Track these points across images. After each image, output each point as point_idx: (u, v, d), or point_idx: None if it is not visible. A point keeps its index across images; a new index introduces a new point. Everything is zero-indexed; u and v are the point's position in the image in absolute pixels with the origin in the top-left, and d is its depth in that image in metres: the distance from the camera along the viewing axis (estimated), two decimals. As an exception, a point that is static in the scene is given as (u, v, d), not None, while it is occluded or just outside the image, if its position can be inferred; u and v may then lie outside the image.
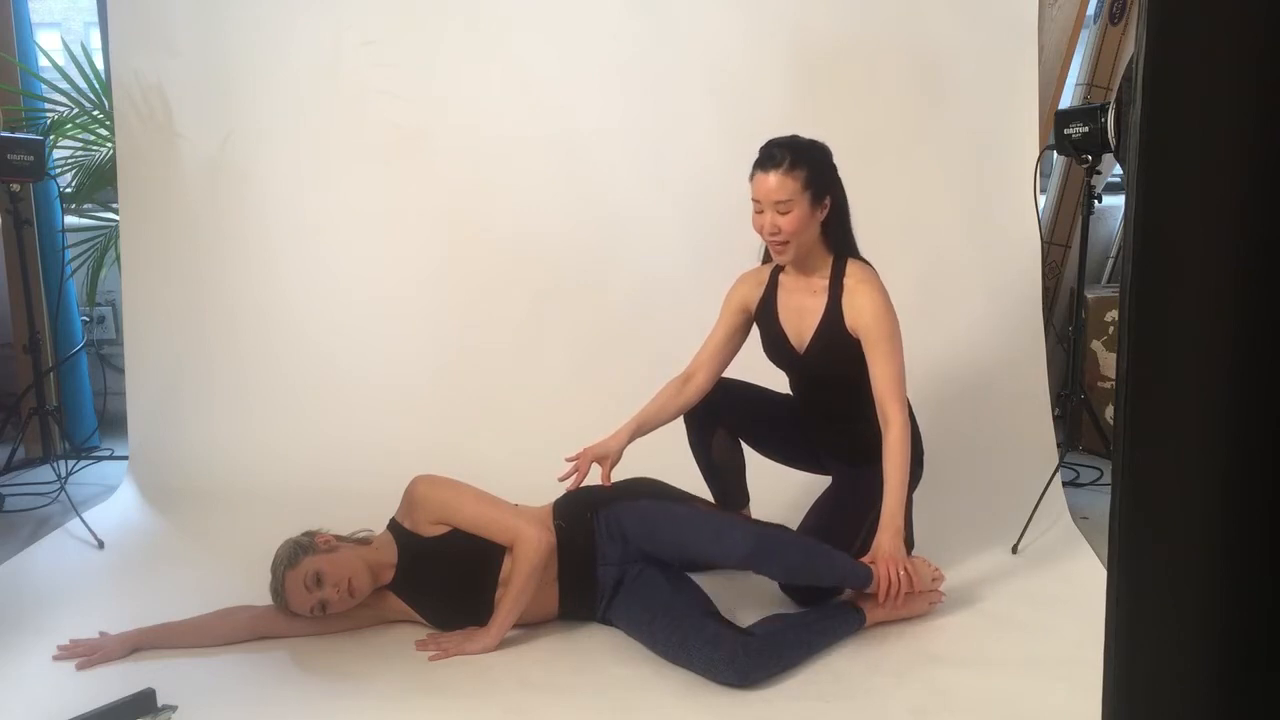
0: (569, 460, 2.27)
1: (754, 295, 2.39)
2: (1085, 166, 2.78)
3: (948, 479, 2.63)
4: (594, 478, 2.26)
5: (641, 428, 2.34)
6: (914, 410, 2.30)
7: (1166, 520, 0.70)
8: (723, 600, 2.17)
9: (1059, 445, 2.99)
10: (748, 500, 2.53)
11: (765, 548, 2.07)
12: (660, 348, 2.70)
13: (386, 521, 2.23)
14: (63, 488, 3.06)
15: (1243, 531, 0.67)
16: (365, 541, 2.17)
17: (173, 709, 1.83)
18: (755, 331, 2.43)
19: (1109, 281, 3.80)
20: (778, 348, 2.37)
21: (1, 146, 3.03)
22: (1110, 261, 3.84)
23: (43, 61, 3.76)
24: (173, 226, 3.31)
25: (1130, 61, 3.15)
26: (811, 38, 3.18)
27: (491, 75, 3.27)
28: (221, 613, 2.18)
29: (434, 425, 3.15)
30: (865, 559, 2.18)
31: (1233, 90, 0.64)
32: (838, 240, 2.28)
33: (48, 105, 3.61)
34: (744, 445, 2.51)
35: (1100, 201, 2.92)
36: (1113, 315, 3.41)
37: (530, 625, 2.18)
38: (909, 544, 2.31)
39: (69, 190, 3.66)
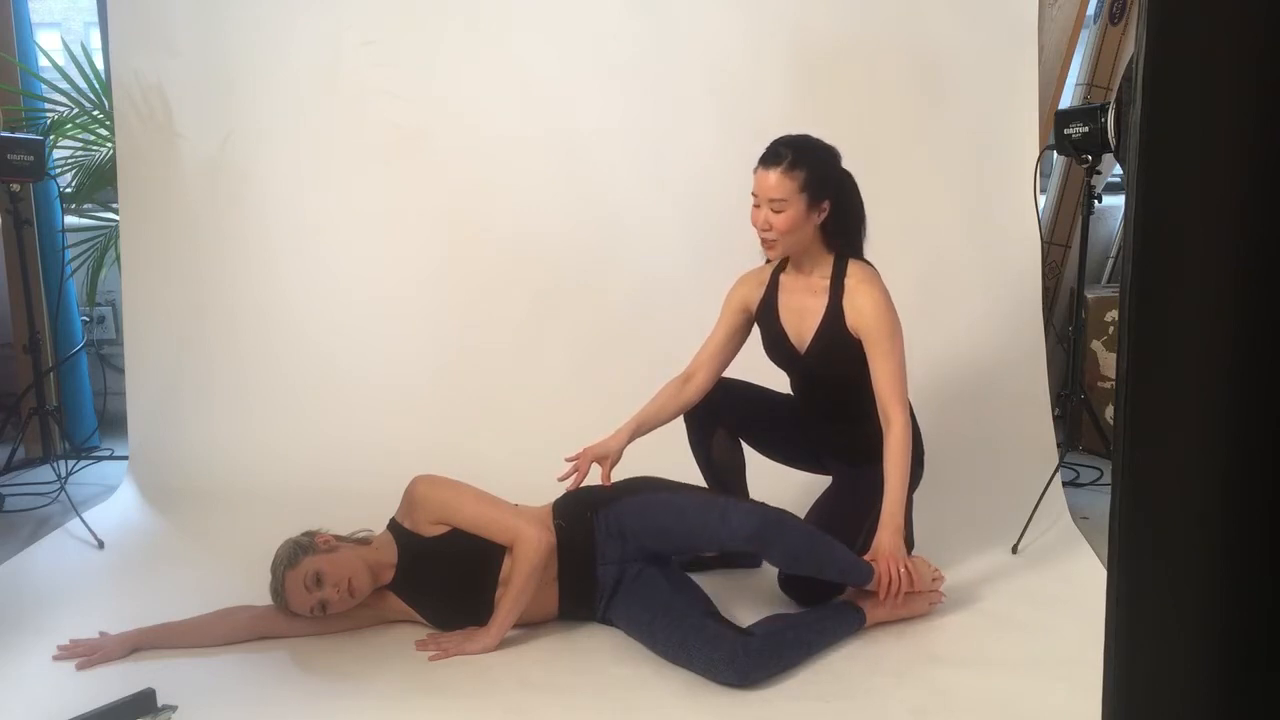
0: (569, 460, 2.28)
1: (755, 295, 2.40)
2: (1085, 166, 2.78)
3: (948, 479, 2.63)
4: (594, 478, 2.26)
5: (641, 427, 2.35)
6: (914, 410, 2.30)
7: (1166, 520, 0.70)
8: (723, 600, 2.17)
9: (1059, 445, 2.99)
10: (748, 500, 2.53)
11: (770, 528, 2.06)
12: (660, 348, 2.70)
13: (386, 521, 2.23)
14: (63, 488, 3.06)
15: (1243, 531, 0.67)
16: (365, 541, 2.17)
17: (173, 709, 1.83)
18: (756, 331, 2.43)
19: (1109, 281, 3.80)
20: (778, 348, 2.37)
21: (1, 146, 3.03)
22: (1110, 261, 3.84)
23: (43, 61, 3.76)
24: (173, 226, 3.31)
25: (1130, 61, 3.15)
26: (811, 38, 3.18)
27: (491, 75, 3.27)
28: (221, 613, 2.18)
29: (434, 425, 3.15)
30: (865, 558, 2.18)
31: (1233, 90, 0.64)
32: (839, 241, 2.28)
33: (48, 105, 3.61)
34: (744, 445, 2.51)
35: (1100, 201, 2.92)
36: (1113, 315, 3.41)
37: (530, 625, 2.18)
38: (909, 544, 2.31)
39: (69, 190, 3.66)
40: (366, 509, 2.28)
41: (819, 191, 2.20)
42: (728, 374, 2.45)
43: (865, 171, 2.30)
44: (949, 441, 2.65)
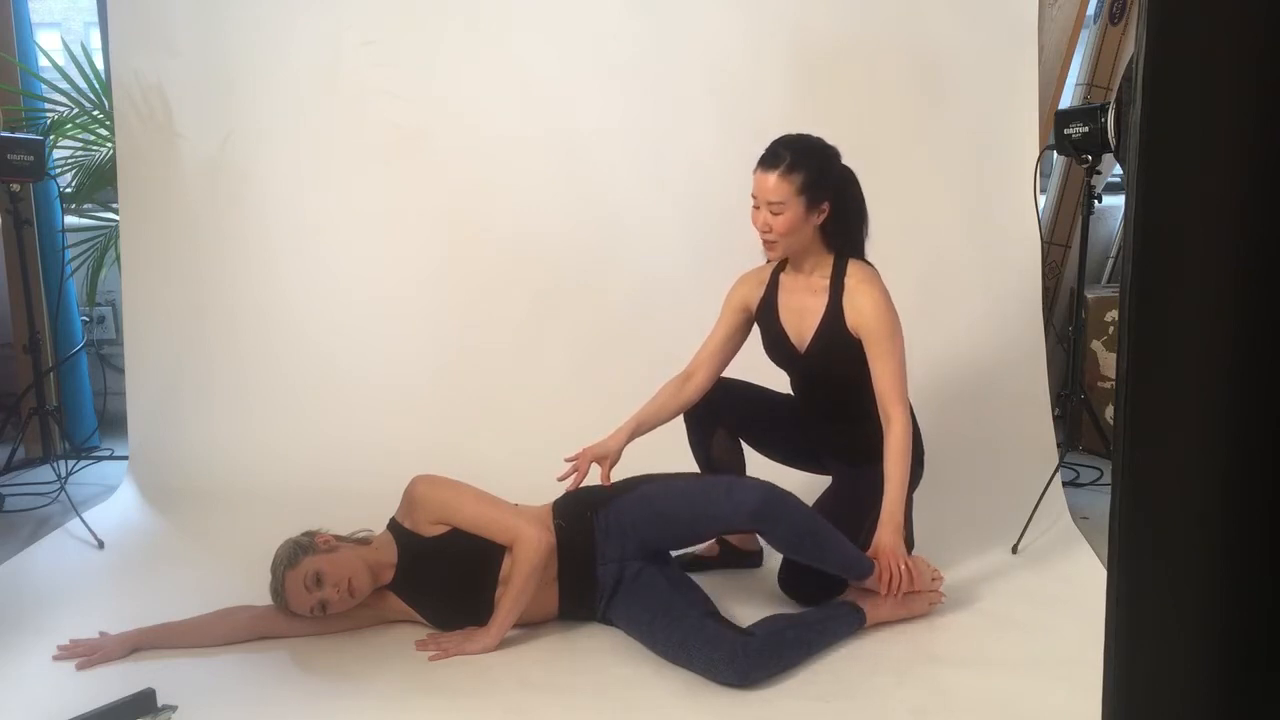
0: (568, 460, 2.28)
1: (755, 295, 2.40)
2: (1085, 166, 2.78)
3: (948, 479, 2.63)
4: (594, 478, 2.26)
5: (641, 427, 2.35)
6: (914, 410, 2.30)
7: (1166, 520, 0.70)
8: (723, 600, 2.17)
9: (1059, 445, 2.99)
10: (748, 500, 2.53)
11: (774, 504, 2.06)
12: (660, 348, 2.70)
13: (386, 521, 2.23)
14: (63, 488, 3.06)
15: (1243, 531, 0.67)
16: (365, 541, 2.17)
17: (173, 709, 1.83)
18: (755, 331, 2.43)
19: (1109, 281, 3.80)
20: (778, 347, 2.37)
21: (1, 146, 3.03)
22: (1110, 261, 3.85)
23: (43, 61, 3.76)
24: (173, 226, 3.31)
25: (1130, 61, 3.15)
26: (811, 38, 3.18)
27: (491, 75, 3.27)
28: (221, 613, 2.18)
29: (434, 425, 3.15)
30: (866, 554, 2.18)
31: (1233, 90, 0.64)
32: (839, 241, 2.28)
33: (48, 105, 3.61)
34: (744, 445, 2.51)
35: (1100, 201, 2.92)
36: (1113, 315, 3.41)
37: (530, 625, 2.18)
38: (909, 543, 2.31)
39: (69, 190, 3.66)
40: (366, 509, 2.28)
41: (818, 193, 2.20)
42: (727, 374, 2.45)
43: (865, 171, 2.30)
44: (949, 441, 2.65)
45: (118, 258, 3.50)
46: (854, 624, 2.14)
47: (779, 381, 2.45)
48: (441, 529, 2.15)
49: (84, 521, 2.81)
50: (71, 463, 3.35)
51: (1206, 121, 0.65)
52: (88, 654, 2.08)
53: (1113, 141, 2.58)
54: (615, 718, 1.88)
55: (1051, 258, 3.56)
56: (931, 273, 3.14)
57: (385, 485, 2.29)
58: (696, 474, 2.34)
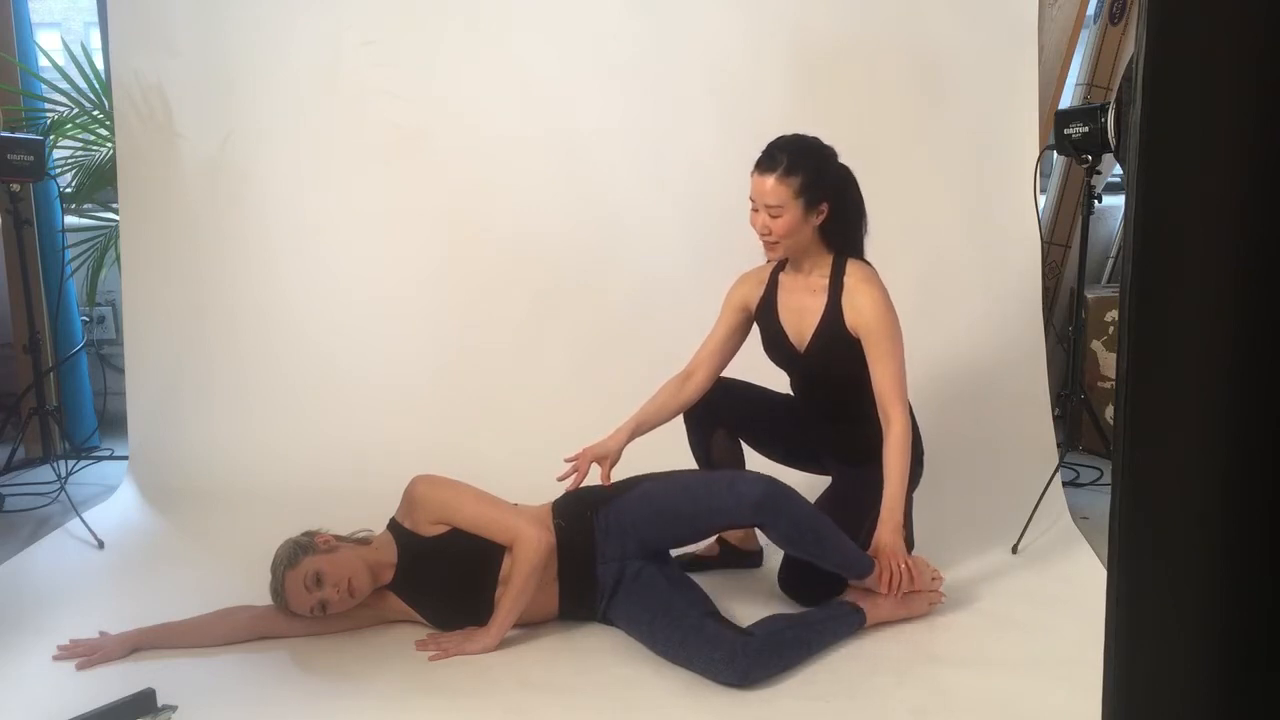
0: (568, 460, 2.28)
1: (754, 294, 2.40)
2: (1085, 166, 2.78)
3: (948, 479, 2.63)
4: (594, 478, 2.26)
5: (641, 427, 2.35)
6: (914, 410, 2.30)
7: (1166, 520, 0.70)
8: (723, 600, 2.17)
9: (1059, 445, 2.99)
10: (748, 500, 2.53)
11: (776, 497, 2.05)
12: (660, 348, 2.70)
13: (386, 521, 2.23)
14: (63, 488, 3.06)
15: (1243, 531, 0.67)
16: (365, 541, 2.17)
17: (173, 709, 1.83)
18: (755, 331, 2.43)
19: (1109, 281, 3.80)
20: (778, 347, 2.37)
21: (1, 146, 3.03)
22: (1110, 261, 3.85)
23: (43, 61, 3.76)
24: (173, 226, 3.31)
25: (1130, 61, 3.15)
26: (811, 38, 3.18)
27: (491, 75, 3.27)
28: (221, 613, 2.18)
29: (434, 425, 3.15)
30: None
31: (1233, 90, 0.64)
32: (838, 241, 2.28)
33: (48, 105, 3.61)
34: (744, 445, 2.51)
35: (1100, 201, 2.92)
36: (1113, 315, 3.41)
37: (530, 625, 2.18)
38: (909, 543, 2.31)
39: (69, 190, 3.66)
40: (366, 509, 2.28)
41: (816, 194, 2.19)
42: (727, 374, 2.45)
43: (865, 171, 2.30)
44: (949, 441, 2.65)
45: (118, 258, 3.50)
46: (854, 624, 2.14)
47: (779, 381, 2.45)
48: (441, 529, 2.15)
49: (84, 521, 2.81)
50: (71, 463, 3.35)
51: (1206, 121, 0.65)
52: (88, 654, 2.08)
53: (1113, 141, 2.58)
54: (615, 718, 1.88)
55: (1051, 258, 3.56)
56: (931, 273, 3.14)
57: (385, 485, 2.29)
58: (697, 470, 2.33)
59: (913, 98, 3.19)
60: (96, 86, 3.63)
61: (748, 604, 2.26)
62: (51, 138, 3.52)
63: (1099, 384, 3.42)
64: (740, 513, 2.10)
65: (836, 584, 2.20)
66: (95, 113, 3.65)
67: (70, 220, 3.73)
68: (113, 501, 3.08)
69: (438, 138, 3.29)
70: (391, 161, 3.30)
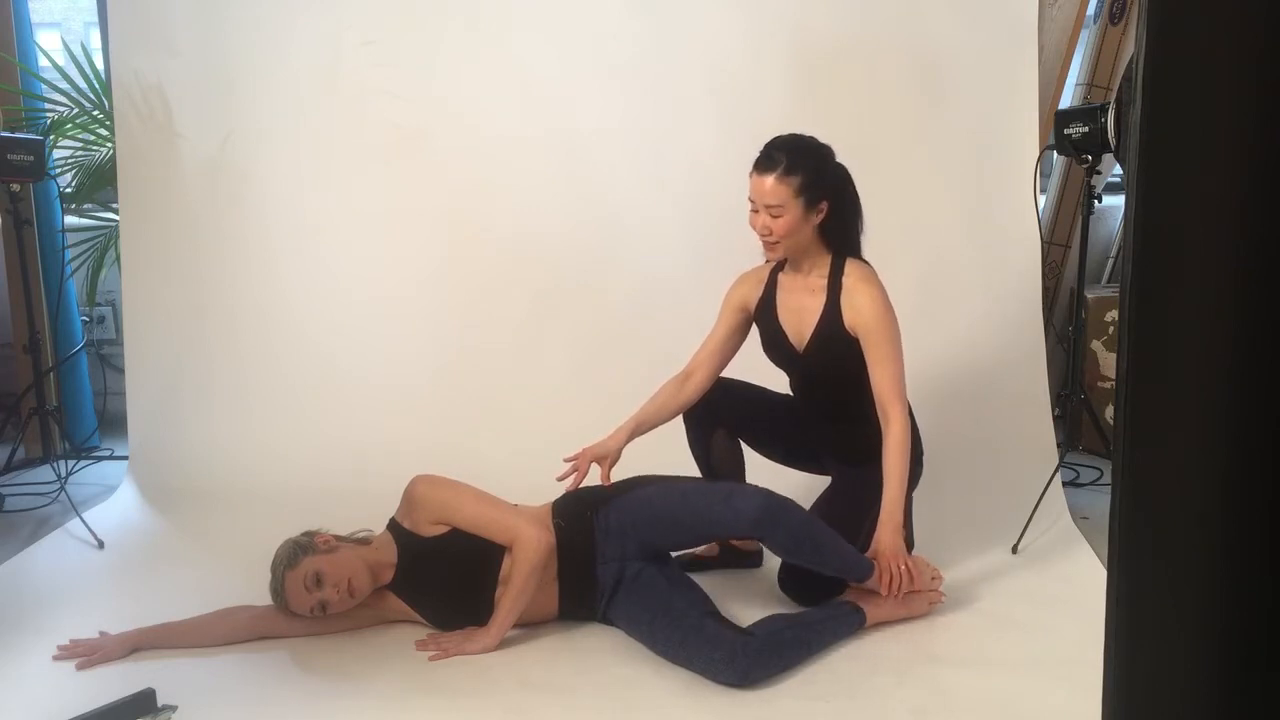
0: (568, 460, 2.28)
1: (753, 294, 2.40)
2: (1085, 166, 2.78)
3: (948, 479, 2.63)
4: (593, 478, 2.26)
5: (640, 427, 2.35)
6: (914, 410, 2.30)
7: (1166, 520, 0.70)
8: (723, 600, 2.17)
9: (1059, 445, 2.99)
10: (748, 500, 2.52)
11: (774, 511, 2.05)
12: (660, 348, 2.70)
13: (386, 521, 2.23)
14: (63, 488, 3.06)
15: (1243, 531, 0.67)
16: (365, 541, 2.17)
17: (173, 709, 1.83)
18: (755, 331, 2.43)
19: (1109, 281, 3.80)
20: (777, 347, 2.37)
21: (1, 146, 3.03)
22: (1110, 261, 3.84)
23: (43, 61, 3.76)
24: (173, 226, 3.31)
25: (1130, 61, 3.15)
26: (811, 38, 3.18)
27: (491, 75, 3.27)
28: (221, 613, 2.18)
29: (434, 425, 3.15)
30: (865, 555, 2.18)
31: (1233, 90, 0.64)
32: (837, 240, 2.28)
33: (48, 105, 3.61)
34: (744, 445, 2.51)
35: (1100, 201, 2.92)
36: (1113, 315, 3.41)
37: (530, 625, 2.18)
38: (909, 543, 2.31)
39: (69, 190, 3.66)
40: (366, 509, 2.28)
41: (816, 193, 2.19)
42: (727, 374, 2.45)
43: (865, 171, 2.30)
44: (949, 441, 2.65)
45: (118, 258, 3.50)
46: (854, 624, 2.14)
47: (779, 381, 2.45)
48: (441, 529, 2.15)
49: (84, 521, 2.81)
50: (71, 463, 3.35)
51: (1206, 121, 0.65)
52: (88, 654, 2.08)
53: (1113, 141, 2.58)
54: (615, 718, 1.88)
55: (1051, 258, 3.56)
56: (931, 273, 3.14)
57: (385, 485, 2.29)
58: (696, 478, 2.33)
59: (913, 98, 3.19)
60: (96, 86, 3.63)
61: (748, 604, 2.26)
62: (51, 138, 3.52)
63: (1099, 384, 3.42)
64: (737, 527, 2.11)
65: (836, 584, 2.20)
66: (95, 113, 3.65)
67: (70, 220, 3.73)
68: (113, 501, 3.08)
69: (438, 138, 3.29)
70: (391, 161, 3.30)
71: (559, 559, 2.15)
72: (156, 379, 3.30)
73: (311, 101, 3.29)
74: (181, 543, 2.81)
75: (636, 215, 3.26)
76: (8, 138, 3.11)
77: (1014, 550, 2.57)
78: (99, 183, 3.66)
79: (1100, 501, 2.92)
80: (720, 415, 2.45)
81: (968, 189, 3.20)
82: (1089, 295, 3.42)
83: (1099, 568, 2.43)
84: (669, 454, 2.43)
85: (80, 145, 3.70)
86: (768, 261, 2.38)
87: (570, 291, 3.28)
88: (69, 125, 3.63)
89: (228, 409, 3.27)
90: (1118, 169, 3.47)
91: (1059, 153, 3.12)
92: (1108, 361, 3.43)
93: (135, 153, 3.29)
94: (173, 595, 2.35)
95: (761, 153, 2.21)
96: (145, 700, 1.80)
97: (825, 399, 2.39)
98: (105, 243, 3.69)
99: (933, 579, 2.24)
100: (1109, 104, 2.64)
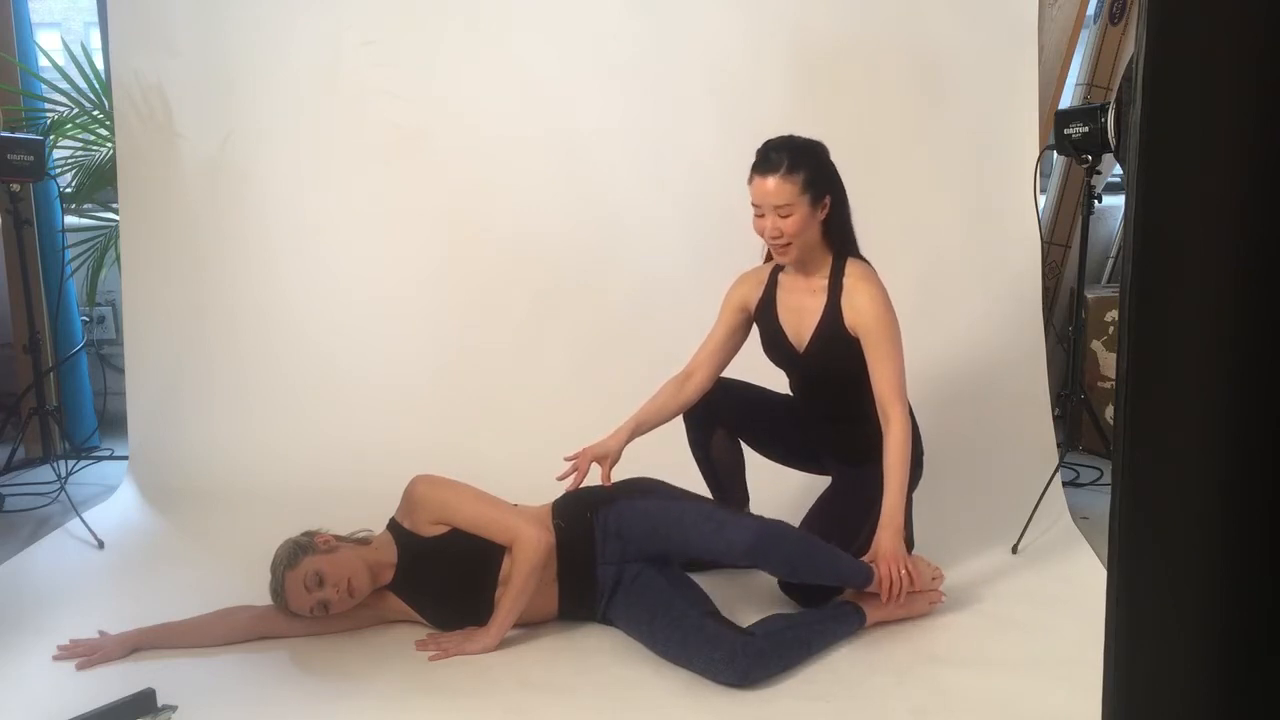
0: (568, 460, 2.28)
1: (753, 294, 2.39)
2: (1085, 166, 2.78)
3: (948, 479, 2.63)
4: (594, 478, 2.26)
5: (641, 427, 2.35)
6: (914, 410, 2.30)
7: (1166, 520, 0.70)
8: (723, 600, 2.17)
9: (1059, 445, 2.99)
10: (747, 500, 2.53)
11: (766, 541, 2.07)
12: (660, 348, 2.70)
13: (386, 521, 2.23)
14: (63, 488, 3.06)
15: (1243, 531, 0.67)
16: (365, 541, 2.17)
17: (173, 709, 1.83)
18: (755, 331, 2.43)
19: (1109, 281, 3.80)
20: (777, 347, 2.37)
21: (1, 146, 3.03)
22: (1110, 261, 3.84)
23: (43, 61, 3.76)
24: (173, 226, 3.31)
25: (1130, 61, 3.15)
26: (811, 38, 3.18)
27: (491, 75, 3.27)
28: (221, 613, 2.18)
29: (434, 425, 3.15)
30: (865, 558, 2.18)
31: (1233, 90, 0.64)
32: (838, 239, 2.28)
33: (48, 105, 3.61)
34: (744, 445, 2.51)
35: (1100, 201, 2.92)
36: (1113, 315, 3.41)
37: (530, 625, 2.18)
38: (909, 543, 2.31)
39: (69, 190, 3.66)
40: (366, 509, 2.28)
41: (820, 189, 2.20)
42: (727, 374, 2.44)
43: (865, 171, 2.30)
44: (949, 441, 2.65)
45: (118, 258, 3.50)
46: (854, 624, 2.14)
47: (779, 381, 2.45)
48: (441, 529, 2.15)
49: (84, 521, 2.81)
50: (71, 463, 3.35)
51: (1206, 121, 0.65)
52: (88, 654, 2.08)
53: (1113, 141, 2.58)
54: (615, 718, 1.88)
55: (1051, 258, 3.56)
56: (931, 273, 3.14)
57: (385, 485, 2.29)
58: (695, 498, 2.28)
59: (913, 98, 3.19)
60: (96, 86, 3.63)
61: (748, 604, 2.26)
62: (51, 138, 3.52)
63: (1099, 384, 3.42)
64: (729, 557, 2.13)
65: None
66: (95, 113, 3.65)
67: (70, 220, 3.73)
68: (113, 501, 3.08)
69: (438, 138, 3.29)
70: (391, 161, 3.30)
71: (559, 559, 2.15)
72: (156, 379, 3.30)
73: (311, 101, 3.29)
74: (181, 543, 2.81)
75: (636, 215, 3.26)
76: (8, 138, 3.11)
77: (1014, 550, 2.57)
78: (99, 183, 3.66)
79: (1100, 501, 2.92)
80: (720, 415, 2.45)
81: (968, 189, 3.20)
82: (1089, 295, 3.42)
83: (1099, 568, 2.43)
84: (669, 454, 2.43)
85: (80, 145, 3.70)
86: (767, 262, 2.38)
87: (570, 291, 3.28)
88: (69, 125, 3.63)
89: (228, 409, 3.27)
90: (1118, 169, 3.47)
91: (1059, 153, 3.12)
92: (1108, 361, 3.43)
93: (135, 153, 3.29)
94: (173, 595, 2.35)
95: (759, 155, 2.21)
96: (145, 700, 1.80)
97: (825, 399, 2.39)
98: (105, 243, 3.69)
99: (933, 578, 2.24)
100: (1109, 104, 2.63)
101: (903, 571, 2.13)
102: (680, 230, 3.23)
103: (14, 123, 3.53)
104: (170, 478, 3.13)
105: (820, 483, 2.48)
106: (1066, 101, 3.38)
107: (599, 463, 2.27)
